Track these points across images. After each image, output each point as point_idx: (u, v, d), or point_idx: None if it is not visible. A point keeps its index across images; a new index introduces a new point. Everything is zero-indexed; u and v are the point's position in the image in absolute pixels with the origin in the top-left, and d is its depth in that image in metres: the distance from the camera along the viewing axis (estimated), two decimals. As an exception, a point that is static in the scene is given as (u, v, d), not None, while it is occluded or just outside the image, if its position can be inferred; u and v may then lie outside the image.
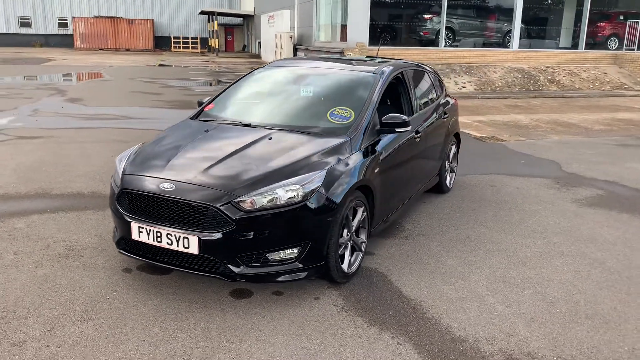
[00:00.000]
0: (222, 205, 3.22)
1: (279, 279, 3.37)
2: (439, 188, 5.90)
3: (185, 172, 3.47)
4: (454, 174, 6.28)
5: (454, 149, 6.15)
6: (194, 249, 3.27)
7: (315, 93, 4.60)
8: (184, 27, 46.81)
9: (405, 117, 4.17)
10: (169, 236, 3.32)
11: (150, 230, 3.38)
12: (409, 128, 4.21)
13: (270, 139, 3.88)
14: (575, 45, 21.59)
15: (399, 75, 4.95)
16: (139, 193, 3.44)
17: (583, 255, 4.45)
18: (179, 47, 45.21)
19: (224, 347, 2.99)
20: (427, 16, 19.93)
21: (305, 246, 3.39)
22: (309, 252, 3.41)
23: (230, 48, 47.24)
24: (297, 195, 3.32)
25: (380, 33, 18.99)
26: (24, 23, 44.23)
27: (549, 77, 18.49)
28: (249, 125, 4.16)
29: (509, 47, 20.05)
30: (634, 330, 3.32)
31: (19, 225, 4.65)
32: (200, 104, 4.83)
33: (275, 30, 27.68)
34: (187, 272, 3.44)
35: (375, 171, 4.00)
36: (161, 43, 45.73)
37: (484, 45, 20.45)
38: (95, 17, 44.01)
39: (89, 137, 8.57)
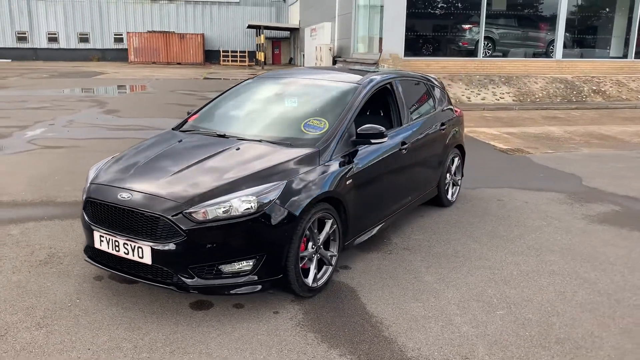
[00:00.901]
0: (174, 215, 3.22)
1: (232, 291, 3.33)
2: (439, 201, 5.72)
3: (144, 182, 3.51)
4: (458, 187, 6.07)
5: (456, 161, 5.96)
6: (147, 259, 3.28)
7: (295, 104, 4.57)
8: (233, 41, 47.88)
9: (381, 128, 4.07)
10: (125, 245, 3.35)
11: (109, 239, 3.42)
12: (385, 139, 4.11)
13: (237, 149, 3.87)
14: (625, 55, 20.63)
15: (387, 85, 4.84)
16: (99, 202, 3.50)
17: (575, 274, 4.19)
18: (228, 61, 46.26)
19: (166, 359, 2.97)
20: (466, 26, 19.57)
21: (261, 259, 3.34)
22: (264, 264, 3.36)
23: (277, 61, 47.92)
24: (253, 206, 3.29)
25: (417, 44, 18.77)
26: (83, 39, 46.43)
27: (594, 88, 17.73)
28: (223, 136, 4.16)
29: (552, 57, 19.38)
30: (606, 357, 3.09)
31: (14, 232, 4.82)
32: (188, 114, 4.88)
33: (317, 43, 27.88)
34: (144, 283, 3.45)
35: (348, 183, 3.91)
36: (211, 57, 46.92)
37: (526, 55, 19.86)
38: (149, 32, 45.68)
39: (111, 147, 8.83)
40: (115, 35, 46.47)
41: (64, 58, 45.34)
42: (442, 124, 5.50)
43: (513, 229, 5.22)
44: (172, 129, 4.60)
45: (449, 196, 5.85)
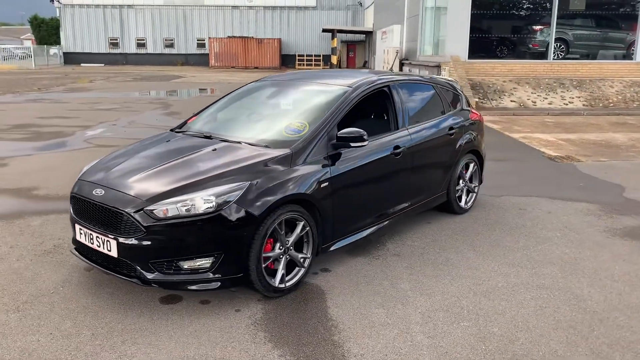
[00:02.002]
0: (135, 212, 3.39)
1: (190, 287, 3.45)
2: (449, 208, 5.56)
3: (118, 179, 3.70)
4: (474, 195, 5.87)
5: (472, 167, 5.76)
6: (114, 252, 3.47)
7: (286, 107, 4.63)
8: (309, 45, 48.59)
9: (362, 131, 4.05)
10: (98, 238, 3.56)
11: (86, 232, 3.65)
12: (365, 143, 4.08)
13: (214, 150, 3.99)
14: None
15: (384, 89, 4.79)
16: (79, 197, 3.74)
17: (566, 290, 3.94)
18: (303, 64, 46.99)
19: (115, 347, 3.12)
20: (537, 27, 18.74)
21: (219, 257, 3.43)
22: (223, 263, 3.45)
23: (351, 64, 48.05)
24: (212, 206, 3.38)
25: (482, 46, 18.18)
26: (169, 44, 48.95)
27: (678, 92, 16.36)
28: (209, 137, 4.30)
29: (632, 59, 18.11)
30: (560, 378, 2.90)
31: (35, 223, 5.23)
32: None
33: (386, 46, 27.74)
34: (113, 275, 3.63)
35: (323, 186, 3.91)
36: (287, 61, 47.87)
37: (605, 57, 18.66)
38: (229, 37, 47.37)
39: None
40: (197, 40, 48.59)
41: (151, 62, 47.98)
42: (451, 129, 5.34)
43: (520, 239, 4.98)
44: (171, 130, 4.80)
45: (462, 203, 5.66)
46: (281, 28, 48.61)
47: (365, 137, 4.06)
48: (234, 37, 47.39)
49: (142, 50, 49.01)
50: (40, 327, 3.33)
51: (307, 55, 47.44)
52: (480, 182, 6.05)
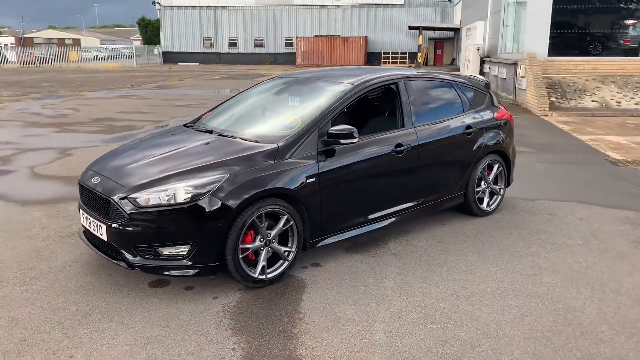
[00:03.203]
0: (121, 199, 3.64)
1: (167, 272, 3.64)
2: (468, 210, 5.40)
3: (113, 168, 3.99)
4: (498, 197, 5.63)
5: (496, 168, 5.53)
6: (104, 235, 3.75)
7: (288, 104, 4.73)
8: (395, 43, 48.18)
9: (352, 128, 4.06)
10: (94, 223, 3.86)
11: (87, 217, 3.97)
12: (355, 140, 4.07)
13: (207, 143, 4.17)
14: None
15: (392, 86, 4.75)
16: (81, 184, 4.07)
17: (559, 300, 3.73)
18: (388, 62, 46.68)
19: (91, 323, 3.38)
20: (629, 22, 17.39)
21: (195, 245, 3.60)
22: (199, 251, 3.61)
23: (438, 62, 47.08)
24: (189, 196, 3.56)
25: (565, 42, 17.16)
26: (259, 44, 50.57)
27: None
28: (210, 132, 4.49)
29: None
30: (508, 388, 2.78)
31: (71, 208, 5.71)
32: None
33: (470, 43, 26.90)
34: (105, 258, 3.90)
35: (310, 181, 3.97)
36: (372, 59, 47.79)
37: None
38: (316, 36, 48.08)
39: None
40: (286, 39, 49.76)
41: (242, 61, 49.80)
42: (468, 128, 5.17)
43: (534, 245, 4.74)
44: (183, 125, 5.05)
45: (484, 206, 5.46)
46: (367, 26, 48.59)
47: (355, 134, 4.06)
48: (321, 36, 48.03)
49: (234, 50, 50.98)
50: (36, 300, 3.68)
51: (392, 53, 47.09)
52: (508, 184, 5.79)
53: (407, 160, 4.63)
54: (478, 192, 5.40)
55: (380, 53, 47.45)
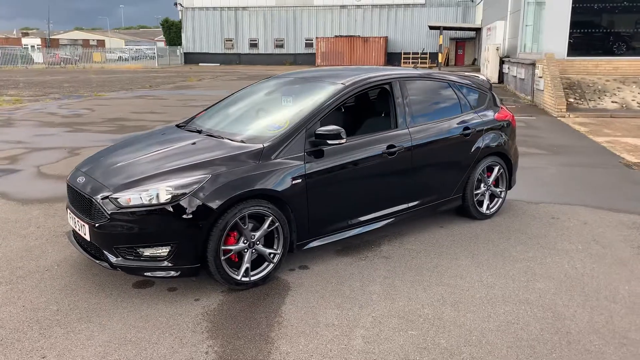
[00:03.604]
0: (102, 199, 3.62)
1: (147, 273, 3.61)
2: (467, 213, 5.28)
3: (98, 168, 3.98)
4: (499, 200, 5.49)
5: (496, 170, 5.39)
6: (87, 236, 3.74)
7: (279, 104, 4.67)
8: (416, 43, 47.83)
9: (339, 129, 3.99)
10: (78, 222, 3.85)
11: (73, 217, 3.97)
12: (342, 140, 4.00)
13: (193, 143, 4.14)
14: None
15: (385, 86, 4.66)
16: (68, 184, 4.07)
17: (549, 307, 3.60)
18: (409, 62, 46.35)
19: (68, 324, 3.36)
20: (653, 20, 16.92)
21: (175, 246, 3.57)
22: (179, 252, 3.58)
23: (460, 62, 46.61)
24: (170, 196, 3.53)
25: (585, 42, 16.78)
26: (279, 44, 50.71)
27: None
28: (199, 132, 4.46)
29: None
30: (483, 399, 2.68)
31: (70, 207, 5.73)
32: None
33: (490, 43, 26.56)
34: (89, 258, 3.89)
35: (296, 182, 3.91)
36: (393, 59, 47.52)
37: None
38: (336, 36, 48.01)
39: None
40: (306, 40, 49.80)
41: (262, 62, 49.98)
42: (466, 129, 5.05)
43: (532, 250, 4.61)
44: (175, 125, 5.02)
45: (483, 209, 5.33)
46: (388, 26, 48.36)
47: (342, 134, 3.99)
48: (341, 36, 47.93)
49: (254, 51, 51.21)
50: (19, 299, 3.68)
51: (412, 53, 46.74)
52: (509, 187, 5.65)
53: (400, 161, 4.53)
54: (477, 194, 5.28)
55: (401, 53, 47.14)
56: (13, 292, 3.80)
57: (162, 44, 68.61)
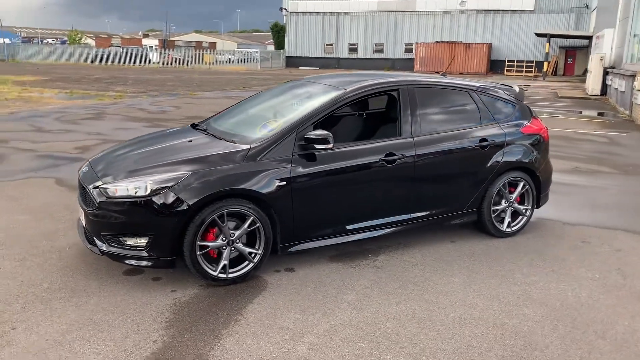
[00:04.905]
0: (94, 188, 3.89)
1: (127, 261, 3.82)
2: (483, 229, 5.01)
3: (102, 161, 4.26)
4: (523, 218, 5.15)
5: (520, 187, 5.05)
6: (83, 222, 4.04)
7: (282, 107, 4.73)
8: (522, 51, 45.66)
9: (327, 133, 3.98)
10: (80, 210, 4.17)
11: (78, 206, 4.29)
12: (329, 145, 3.99)
13: (190, 141, 4.31)
14: None
15: (393, 93, 4.56)
16: (79, 176, 4.40)
17: (524, 334, 3.34)
18: (512, 71, 44.38)
19: (49, 302, 3.62)
20: None
21: (152, 238, 3.74)
22: (156, 244, 3.75)
23: (569, 72, 43.85)
24: (149, 190, 3.71)
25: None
26: (378, 49, 50.70)
27: None
28: (204, 130, 4.63)
29: None
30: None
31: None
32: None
33: (597, 52, 24.75)
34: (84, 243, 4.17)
35: (280, 184, 3.93)
36: (496, 66, 45.75)
37: None
38: (436, 42, 47.07)
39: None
40: (406, 45, 49.33)
41: (360, 67, 50.13)
42: (483, 141, 4.79)
43: (539, 274, 4.29)
44: (190, 125, 5.19)
45: (504, 226, 5.03)
46: (493, 32, 46.61)
47: (330, 139, 3.97)
48: (442, 42, 46.92)
49: (353, 55, 51.58)
50: (21, 275, 4.05)
51: (517, 61, 44.67)
52: (538, 205, 5.27)
53: (401, 171, 4.41)
54: (496, 210, 4.99)
55: (504, 61, 45.23)
56: (20, 268, 4.17)
57: (271, 47, 71.18)
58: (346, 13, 51.20)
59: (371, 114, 5.06)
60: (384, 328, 3.40)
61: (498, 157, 4.87)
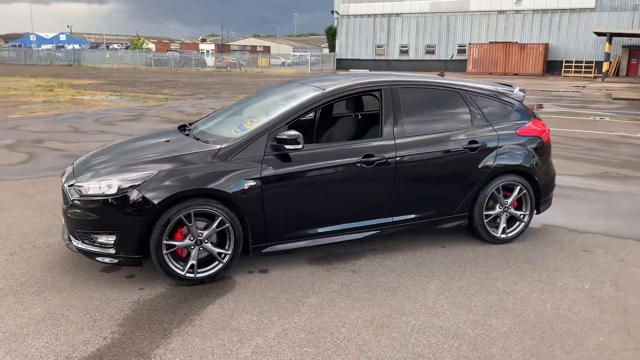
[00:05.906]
0: (69, 187, 4.00)
1: (97, 258, 3.90)
2: (476, 234, 4.81)
3: (84, 162, 4.37)
4: (521, 224, 4.90)
5: (516, 191, 4.81)
6: (63, 219, 4.16)
7: (263, 108, 4.70)
8: (581, 51, 43.72)
9: (298, 134, 3.93)
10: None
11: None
12: (299, 146, 3.94)
13: (167, 141, 4.36)
14: None
15: (375, 93, 4.45)
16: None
17: (481, 347, 3.17)
18: (570, 71, 42.62)
19: (22, 295, 3.75)
20: None
21: (119, 236, 3.81)
22: (122, 242, 3.80)
23: (632, 72, 41.61)
24: (117, 189, 3.78)
25: None
26: (430, 50, 49.90)
27: None
28: (188, 131, 4.67)
29: None
30: None
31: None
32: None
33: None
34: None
35: (250, 185, 3.91)
36: (553, 67, 44.07)
37: None
38: (490, 42, 45.83)
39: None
40: (459, 46, 48.26)
41: (411, 69, 49.47)
42: (473, 143, 4.60)
43: (522, 282, 4.07)
44: (178, 126, 5.21)
45: (498, 232, 4.80)
46: (550, 32, 44.90)
47: (299, 140, 3.92)
48: (496, 42, 45.65)
49: (404, 57, 51.00)
50: (4, 269, 4.21)
51: (575, 62, 42.83)
52: (538, 211, 5.00)
53: (381, 172, 4.30)
54: (489, 215, 4.77)
55: (562, 61, 43.48)
56: (7, 262, 4.35)
57: (327, 51, 71.48)
58: (397, 15, 50.71)
59: (355, 114, 4.95)
60: (337, 334, 3.31)
61: (490, 160, 4.66)
